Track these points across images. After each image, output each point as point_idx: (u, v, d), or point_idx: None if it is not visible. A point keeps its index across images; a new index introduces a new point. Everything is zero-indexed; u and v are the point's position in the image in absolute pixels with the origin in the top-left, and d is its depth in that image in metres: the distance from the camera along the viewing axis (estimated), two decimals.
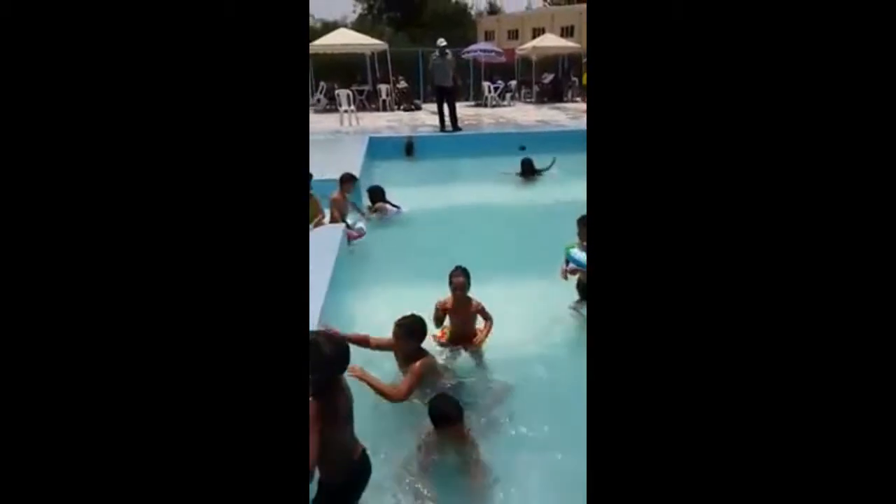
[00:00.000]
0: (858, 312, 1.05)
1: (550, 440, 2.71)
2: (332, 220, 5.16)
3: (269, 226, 1.13)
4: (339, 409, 2.00)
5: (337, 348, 1.97)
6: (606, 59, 1.15)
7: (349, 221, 5.27)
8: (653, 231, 1.12)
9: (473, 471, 2.51)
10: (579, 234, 3.90)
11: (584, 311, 3.91)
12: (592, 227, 1.19)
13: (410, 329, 2.90)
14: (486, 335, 3.41)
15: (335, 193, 5.28)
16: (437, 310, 3.44)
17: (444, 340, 3.49)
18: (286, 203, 1.15)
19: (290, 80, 1.15)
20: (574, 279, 3.97)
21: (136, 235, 1.07)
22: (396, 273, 4.78)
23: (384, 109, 14.42)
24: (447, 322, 3.49)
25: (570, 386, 2.99)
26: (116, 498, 1.04)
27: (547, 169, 8.02)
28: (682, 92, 1.11)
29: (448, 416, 2.45)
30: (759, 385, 1.08)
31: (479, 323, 3.49)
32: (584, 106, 13.36)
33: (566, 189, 6.07)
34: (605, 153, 1.16)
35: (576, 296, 4.05)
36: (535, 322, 3.68)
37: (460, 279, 3.38)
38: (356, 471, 2.15)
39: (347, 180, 5.46)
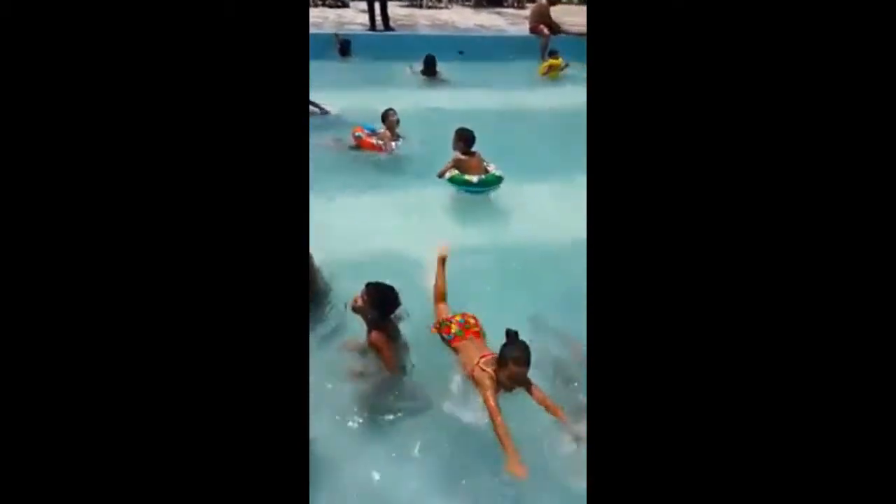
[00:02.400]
0: (858, 304, 1.03)
1: None
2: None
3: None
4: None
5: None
6: (607, 47, 1.16)
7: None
8: (653, 221, 1.11)
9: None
10: (454, 145, 4.39)
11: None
12: (592, 222, 1.19)
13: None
14: None
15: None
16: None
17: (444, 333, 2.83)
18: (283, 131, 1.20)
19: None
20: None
21: (134, 188, 1.09)
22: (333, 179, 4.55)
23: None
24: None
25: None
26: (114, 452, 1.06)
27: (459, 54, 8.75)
28: (683, 81, 1.09)
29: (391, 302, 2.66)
30: (761, 372, 1.06)
31: None
32: (524, 12, 12.79)
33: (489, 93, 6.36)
34: (605, 141, 1.15)
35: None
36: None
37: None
38: None
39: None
